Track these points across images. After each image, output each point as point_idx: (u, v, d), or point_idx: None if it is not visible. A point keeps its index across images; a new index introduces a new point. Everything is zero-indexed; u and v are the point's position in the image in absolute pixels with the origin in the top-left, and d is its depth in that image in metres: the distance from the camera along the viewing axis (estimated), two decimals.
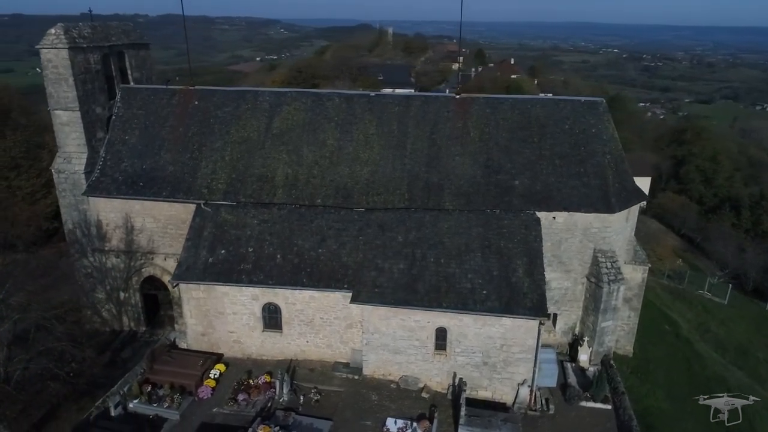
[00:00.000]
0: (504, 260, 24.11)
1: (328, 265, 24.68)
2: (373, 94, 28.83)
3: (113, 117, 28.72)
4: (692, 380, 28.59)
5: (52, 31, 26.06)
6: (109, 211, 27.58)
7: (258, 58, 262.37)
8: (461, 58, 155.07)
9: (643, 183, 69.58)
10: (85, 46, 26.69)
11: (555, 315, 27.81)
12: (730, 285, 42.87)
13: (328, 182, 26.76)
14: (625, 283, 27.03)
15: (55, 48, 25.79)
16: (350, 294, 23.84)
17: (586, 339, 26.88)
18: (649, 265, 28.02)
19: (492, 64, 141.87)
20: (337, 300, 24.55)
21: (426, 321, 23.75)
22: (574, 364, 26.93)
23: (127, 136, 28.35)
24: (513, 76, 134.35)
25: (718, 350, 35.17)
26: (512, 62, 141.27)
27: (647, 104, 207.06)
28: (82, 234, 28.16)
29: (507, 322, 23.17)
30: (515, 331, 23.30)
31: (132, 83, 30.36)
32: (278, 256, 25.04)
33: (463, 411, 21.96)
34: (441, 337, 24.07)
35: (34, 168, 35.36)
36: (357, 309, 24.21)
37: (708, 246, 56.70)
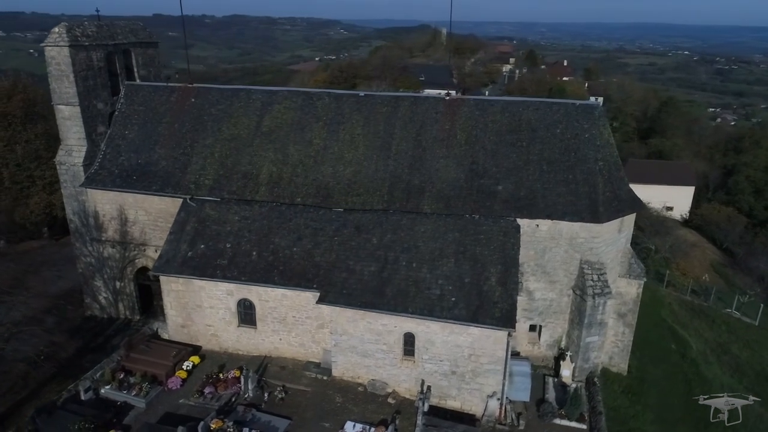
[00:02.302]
0: (477, 267, 23.35)
1: (300, 264, 24.70)
2: (362, 94, 28.60)
3: (116, 112, 29.83)
4: (688, 404, 26.72)
5: (56, 29, 27.32)
6: (105, 202, 28.68)
7: (317, 58, 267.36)
8: (512, 60, 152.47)
9: (686, 192, 66.27)
10: (87, 44, 27.81)
11: (540, 327, 26.74)
12: (762, 304, 39.84)
13: (311, 181, 26.77)
14: (615, 298, 25.75)
15: (57, 46, 27.01)
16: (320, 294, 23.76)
17: (569, 354, 25.68)
18: (645, 279, 26.37)
19: (543, 66, 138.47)
20: (309, 299, 24.51)
21: (393, 325, 23.33)
22: (556, 379, 25.79)
23: (126, 131, 29.39)
24: (565, 78, 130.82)
25: (735, 374, 32.80)
26: (565, 64, 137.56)
27: (717, 109, 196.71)
28: (81, 224, 29.45)
29: (475, 331, 22.43)
30: (483, 341, 22.52)
31: (138, 80, 31.44)
32: (254, 253, 25.28)
33: (419, 420, 21.42)
34: (409, 342, 23.59)
35: (54, 159, 37.22)
36: (327, 309, 24.08)
37: (751, 262, 52.99)
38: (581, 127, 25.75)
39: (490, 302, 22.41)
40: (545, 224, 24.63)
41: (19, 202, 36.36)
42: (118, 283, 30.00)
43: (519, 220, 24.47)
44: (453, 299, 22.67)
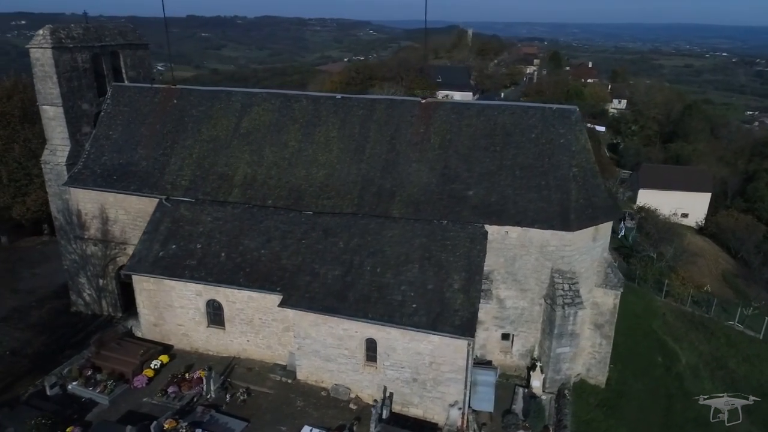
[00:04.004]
0: (441, 274, 22.96)
1: (267, 267, 24.69)
2: (339, 96, 28.43)
3: (101, 113, 30.34)
4: (667, 420, 25.81)
5: (40, 31, 27.91)
6: (87, 201, 29.20)
7: (346, 59, 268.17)
8: (536, 61, 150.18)
9: (702, 199, 64.18)
10: (71, 46, 28.31)
11: (512, 336, 26.14)
12: (767, 318, 38.16)
13: (284, 183, 26.74)
14: (589, 308, 25.03)
15: (41, 47, 27.59)
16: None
17: (539, 364, 25.03)
18: (621, 290, 25.49)
19: (568, 68, 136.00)
20: (274, 302, 24.41)
21: (354, 331, 23.10)
22: (526, 390, 25.16)
23: (111, 132, 29.86)
24: (590, 80, 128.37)
25: (728, 389, 31.44)
26: (590, 65, 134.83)
27: (756, 113, 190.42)
28: (65, 222, 30.04)
29: (435, 339, 22.03)
30: (444, 349, 22.11)
31: (126, 82, 31.91)
32: (222, 254, 25.39)
33: (373, 428, 21.14)
34: (371, 348, 23.34)
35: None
36: (291, 312, 24.00)
37: (765, 272, 50.92)
38: (557, 132, 25.08)
39: (450, 310, 21.99)
40: (515, 231, 24.05)
41: (16, 200, 37.39)
42: (100, 281, 30.52)
43: (488, 227, 23.97)
44: (414, 306, 22.33)
